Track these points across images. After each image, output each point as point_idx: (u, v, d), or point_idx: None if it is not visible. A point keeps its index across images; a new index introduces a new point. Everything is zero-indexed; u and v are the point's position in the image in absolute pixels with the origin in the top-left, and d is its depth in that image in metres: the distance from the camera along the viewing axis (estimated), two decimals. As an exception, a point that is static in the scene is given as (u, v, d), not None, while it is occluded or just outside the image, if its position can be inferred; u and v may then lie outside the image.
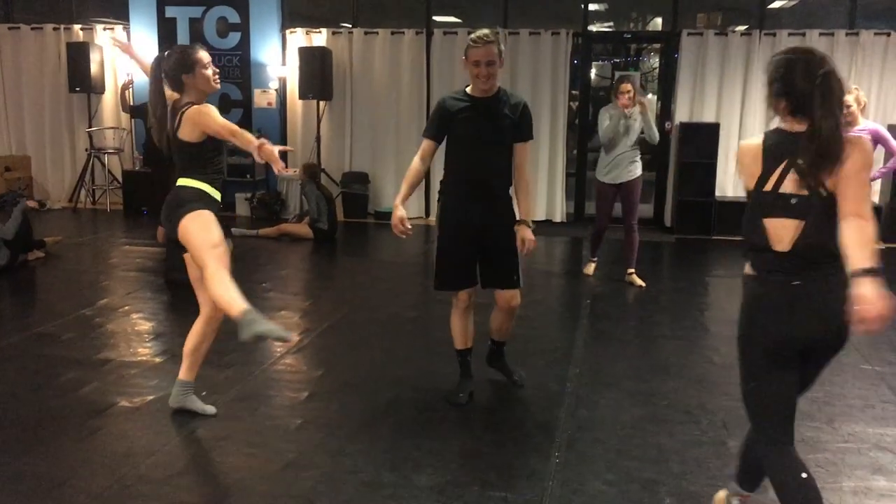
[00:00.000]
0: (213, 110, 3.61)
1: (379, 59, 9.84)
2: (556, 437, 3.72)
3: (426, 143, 3.93)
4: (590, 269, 7.16)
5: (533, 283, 6.91)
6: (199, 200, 3.64)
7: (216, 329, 3.87)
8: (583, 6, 9.64)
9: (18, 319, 5.50)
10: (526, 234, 3.83)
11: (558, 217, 9.72)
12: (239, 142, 3.49)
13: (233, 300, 3.36)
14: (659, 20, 11.39)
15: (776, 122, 2.52)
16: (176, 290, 6.23)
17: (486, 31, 3.74)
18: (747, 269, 2.54)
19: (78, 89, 10.00)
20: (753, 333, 2.53)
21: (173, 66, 3.67)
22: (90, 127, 10.22)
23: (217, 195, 3.74)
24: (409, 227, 3.88)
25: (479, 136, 3.83)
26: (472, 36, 3.75)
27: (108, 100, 10.38)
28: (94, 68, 9.94)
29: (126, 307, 5.81)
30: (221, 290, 3.41)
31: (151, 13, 10.07)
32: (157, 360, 4.69)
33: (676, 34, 9.26)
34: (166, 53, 3.73)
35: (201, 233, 3.55)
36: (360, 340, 5.21)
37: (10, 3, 10.76)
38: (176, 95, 3.72)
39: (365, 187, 9.91)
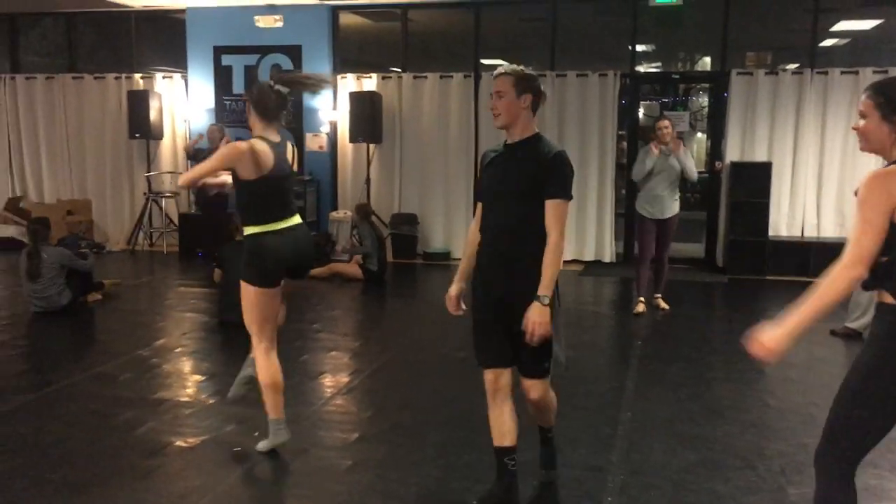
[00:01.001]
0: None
1: (428, 102, 9.99)
2: (608, 482, 3.67)
3: (477, 206, 3.43)
4: (640, 308, 7.12)
5: (582, 324, 6.87)
6: (255, 261, 3.79)
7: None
8: (630, 47, 9.69)
9: (78, 359, 5.65)
10: (532, 315, 3.05)
11: (607, 257, 9.66)
12: None
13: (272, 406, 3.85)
14: (708, 59, 11.39)
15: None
16: (228, 331, 6.34)
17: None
18: (888, 298, 2.41)
19: (137, 135, 10.34)
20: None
21: (282, 99, 3.83)
22: (148, 171, 10.53)
23: (281, 224, 3.81)
24: (464, 306, 3.39)
25: (494, 187, 3.24)
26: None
27: (166, 145, 10.70)
28: (153, 115, 10.28)
29: (181, 347, 5.93)
30: (264, 385, 3.83)
31: (208, 61, 10.41)
32: (211, 400, 4.76)
33: (726, 73, 9.23)
34: (269, 84, 3.84)
35: (246, 310, 3.86)
36: (410, 381, 5.23)
37: (74, 54, 11.22)
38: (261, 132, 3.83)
39: (414, 228, 10.00)
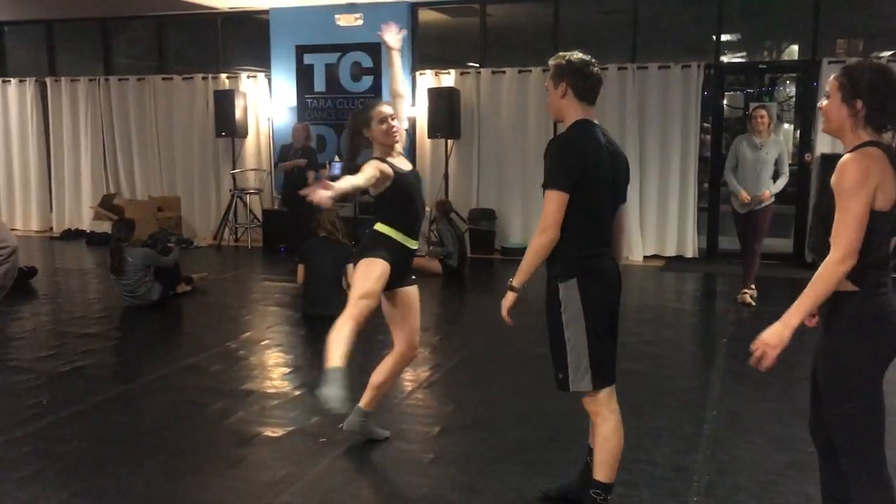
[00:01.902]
0: (366, 167, 3.70)
1: (506, 97, 9.97)
2: (693, 481, 3.61)
3: None
4: (745, 297, 7.08)
5: (664, 322, 6.76)
6: (382, 247, 3.76)
7: (404, 366, 4.06)
8: (715, 38, 9.45)
9: (169, 351, 5.86)
10: (503, 302, 3.10)
11: (690, 252, 9.47)
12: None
13: (335, 353, 3.45)
14: (795, 48, 11.00)
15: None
16: (313, 324, 6.48)
17: None
18: (849, 286, 2.44)
19: (223, 134, 10.64)
20: (877, 348, 2.48)
21: (356, 121, 3.86)
22: (234, 169, 10.83)
23: (408, 242, 3.84)
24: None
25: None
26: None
27: (251, 143, 10.98)
28: (238, 114, 10.56)
29: (267, 340, 6.09)
30: (335, 337, 3.52)
31: (291, 61, 10.62)
32: (297, 392, 4.87)
33: (816, 62, 8.92)
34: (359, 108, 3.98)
35: (360, 279, 3.71)
36: (489, 376, 5.24)
37: (163, 56, 11.62)
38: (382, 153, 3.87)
39: (492, 223, 10.00)
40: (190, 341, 6.23)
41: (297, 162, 9.37)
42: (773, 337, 2.51)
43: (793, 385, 5.01)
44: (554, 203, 2.94)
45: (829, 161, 8.68)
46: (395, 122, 3.81)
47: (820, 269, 2.42)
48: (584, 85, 3.06)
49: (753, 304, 6.98)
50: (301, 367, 5.44)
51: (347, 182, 3.50)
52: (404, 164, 3.89)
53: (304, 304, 6.73)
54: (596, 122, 3.12)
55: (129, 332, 6.55)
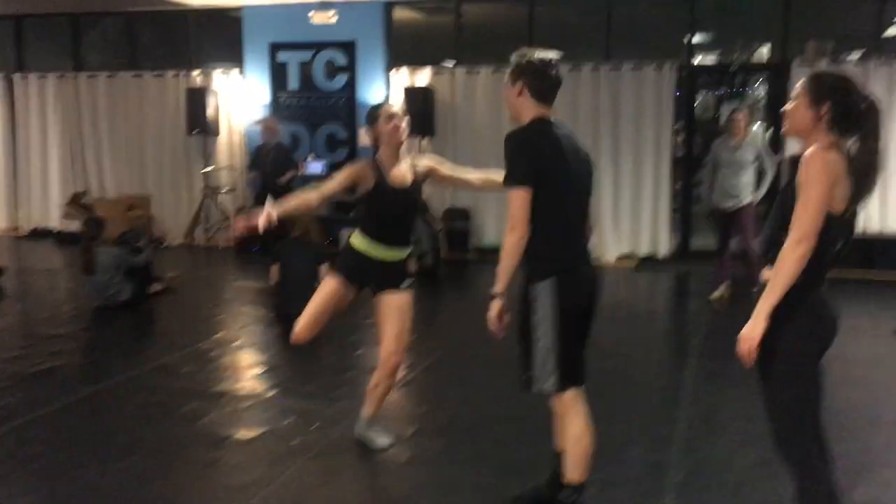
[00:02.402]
0: (341, 172, 3.78)
1: (481, 96, 9.96)
2: (667, 481, 3.63)
3: None
4: (716, 294, 7.15)
5: (636, 322, 6.80)
6: (340, 260, 3.96)
7: (390, 372, 3.97)
8: (686, 39, 9.52)
9: (139, 352, 5.79)
10: (489, 313, 3.09)
11: (663, 252, 9.53)
12: None
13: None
14: (765, 49, 11.12)
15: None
16: (286, 324, 6.42)
17: None
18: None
19: (196, 131, 10.53)
20: (813, 336, 2.62)
21: (366, 120, 3.85)
22: (206, 167, 10.72)
23: (375, 252, 3.84)
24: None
25: None
26: None
27: (223, 141, 10.87)
28: (210, 112, 10.45)
29: (239, 340, 6.04)
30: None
31: (264, 58, 10.54)
32: (270, 393, 4.83)
33: (786, 64, 9.02)
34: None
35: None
36: (464, 377, 5.23)
37: (134, 52, 11.47)
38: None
39: (466, 223, 10.00)
40: (161, 342, 6.16)
41: (289, 176, 9.30)
42: (748, 331, 2.60)
43: (764, 384, 5.07)
44: (517, 199, 2.94)
45: (798, 162, 8.80)
46: (402, 123, 3.78)
47: (779, 257, 2.50)
48: (540, 86, 3.07)
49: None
50: (274, 367, 5.40)
51: (303, 198, 3.83)
52: (401, 177, 3.81)
53: (277, 304, 6.68)
54: (552, 119, 3.11)
55: (99, 332, 6.47)
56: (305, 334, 3.92)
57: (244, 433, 4.18)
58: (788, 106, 2.65)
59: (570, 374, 3.08)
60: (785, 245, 2.48)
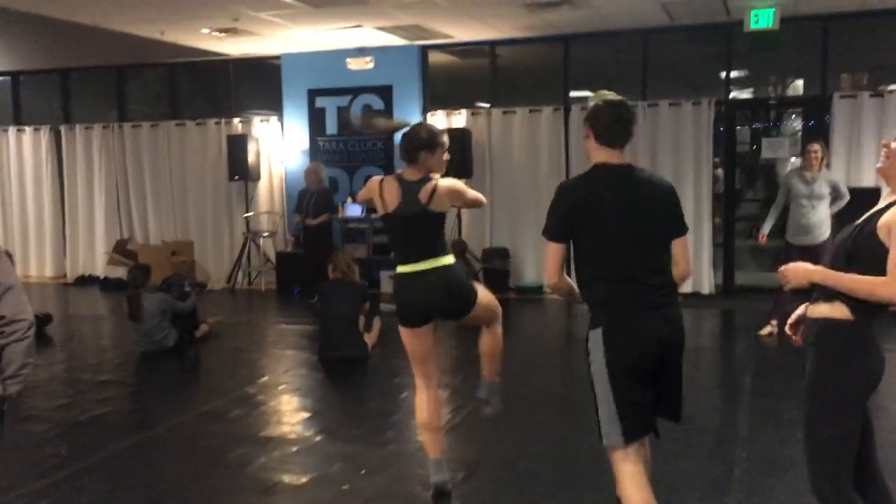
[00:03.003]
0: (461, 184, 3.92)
1: (517, 136, 10.00)
2: (728, 526, 3.51)
3: None
4: (766, 329, 7.04)
5: (685, 360, 6.65)
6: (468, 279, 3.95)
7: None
8: (724, 74, 9.49)
9: (186, 398, 5.81)
10: None
11: (706, 289, 9.39)
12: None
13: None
14: (800, 82, 11.05)
15: None
16: (329, 367, 6.43)
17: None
18: (846, 314, 2.58)
19: (237, 177, 10.68)
20: (865, 375, 2.61)
21: (420, 140, 3.73)
22: (247, 212, 10.85)
23: (408, 268, 3.84)
24: None
25: None
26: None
27: (264, 186, 11.03)
28: (251, 158, 10.61)
29: (284, 384, 6.03)
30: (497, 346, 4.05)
31: (303, 104, 10.71)
32: (317, 438, 4.80)
33: (827, 97, 8.93)
34: (414, 126, 3.84)
35: (488, 300, 3.94)
36: (512, 417, 5.10)
37: (176, 102, 11.73)
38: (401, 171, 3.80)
39: (506, 262, 9.96)
40: (207, 387, 6.18)
41: (321, 220, 9.58)
42: (799, 269, 2.70)
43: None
44: (548, 251, 3.05)
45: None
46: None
47: (875, 278, 2.50)
48: (603, 129, 3.06)
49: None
50: (320, 411, 5.38)
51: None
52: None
53: (320, 347, 6.68)
54: (619, 163, 3.08)
55: (145, 378, 6.51)
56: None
57: (293, 479, 4.14)
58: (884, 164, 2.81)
59: (632, 430, 2.93)
60: (887, 278, 2.48)
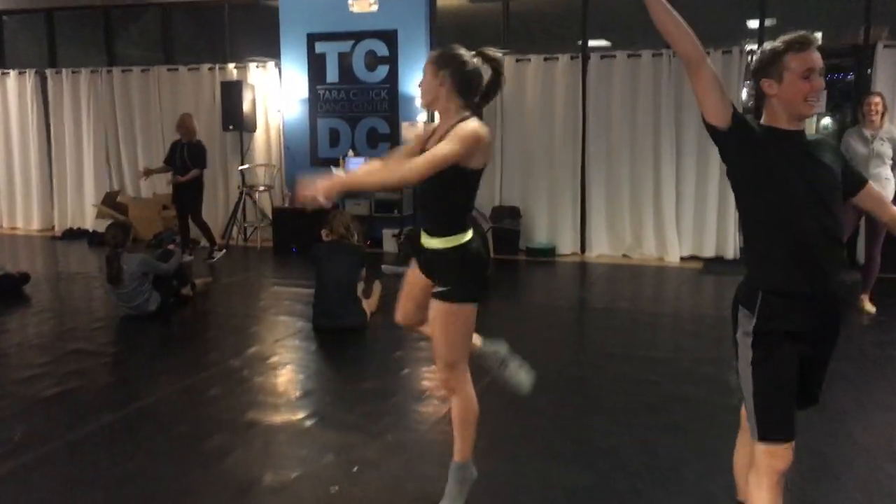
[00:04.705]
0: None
1: (531, 86, 9.32)
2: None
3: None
4: (863, 303, 6.53)
5: (715, 335, 6.10)
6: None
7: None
8: (757, 22, 8.75)
9: (165, 370, 5.26)
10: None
11: (730, 253, 8.79)
12: None
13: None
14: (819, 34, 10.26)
15: None
16: (324, 338, 5.89)
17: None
18: None
19: (231, 127, 10.05)
20: None
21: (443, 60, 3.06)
22: (242, 165, 10.24)
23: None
24: None
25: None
26: (791, 38, 2.55)
27: (260, 137, 10.40)
28: (246, 107, 9.97)
29: (274, 357, 5.49)
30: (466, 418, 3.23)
31: (302, 50, 10.03)
32: (307, 424, 4.27)
33: (870, 46, 8.22)
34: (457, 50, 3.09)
35: (466, 332, 3.16)
36: (524, 403, 4.58)
37: (169, 46, 11.03)
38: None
39: (516, 222, 9.37)
40: (189, 358, 5.63)
41: (189, 177, 8.87)
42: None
43: (879, 417, 4.36)
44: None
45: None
46: None
47: None
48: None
49: (873, 310, 6.44)
50: (311, 391, 4.84)
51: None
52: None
53: (314, 315, 6.13)
54: None
55: (123, 347, 5.97)
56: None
57: (275, 477, 3.61)
58: None
59: (771, 427, 2.58)
60: None
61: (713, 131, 2.61)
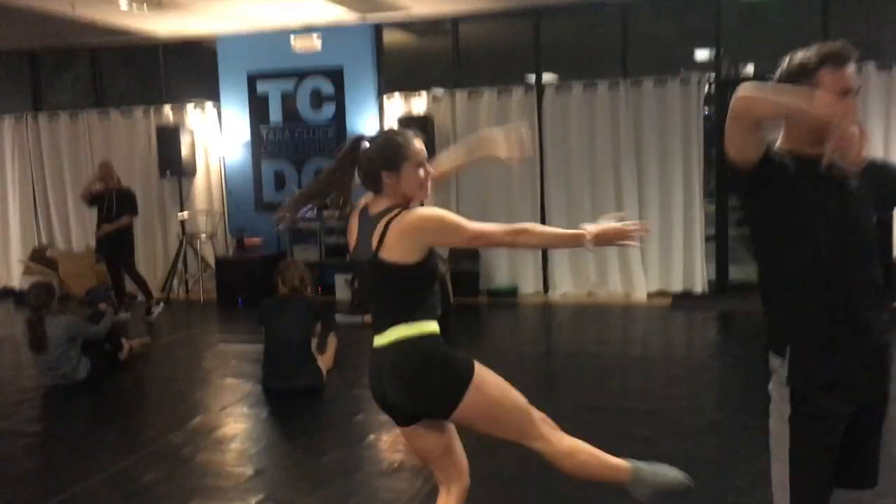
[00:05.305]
0: (448, 214, 2.58)
1: (484, 121, 8.91)
2: None
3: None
4: None
5: (697, 381, 5.70)
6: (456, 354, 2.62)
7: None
8: (714, 50, 8.54)
9: (95, 453, 4.61)
10: None
11: (699, 287, 8.47)
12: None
13: (615, 463, 2.74)
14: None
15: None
16: (276, 401, 5.33)
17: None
18: None
19: (169, 173, 9.46)
20: None
21: (375, 160, 2.61)
22: (182, 212, 9.63)
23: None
24: None
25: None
26: (827, 50, 2.17)
27: (200, 182, 9.82)
28: (184, 151, 9.40)
29: (220, 430, 4.90)
30: (590, 458, 2.69)
31: (242, 90, 9.52)
32: (259, 511, 3.71)
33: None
34: (371, 137, 2.71)
35: (501, 396, 2.64)
36: (505, 469, 4.10)
37: (99, 90, 10.41)
38: (368, 199, 2.68)
39: (475, 263, 8.93)
40: (122, 435, 4.99)
41: (119, 224, 8.26)
42: None
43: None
44: None
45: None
46: (430, 169, 2.68)
47: None
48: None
49: None
50: (264, 470, 4.25)
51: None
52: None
53: (264, 376, 5.57)
54: None
55: (49, 424, 5.32)
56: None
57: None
58: None
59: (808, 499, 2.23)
60: None
61: (737, 171, 2.19)
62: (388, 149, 2.61)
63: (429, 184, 2.65)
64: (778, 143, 2.26)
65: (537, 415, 2.68)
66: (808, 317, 2.19)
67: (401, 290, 2.56)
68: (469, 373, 2.55)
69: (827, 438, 2.20)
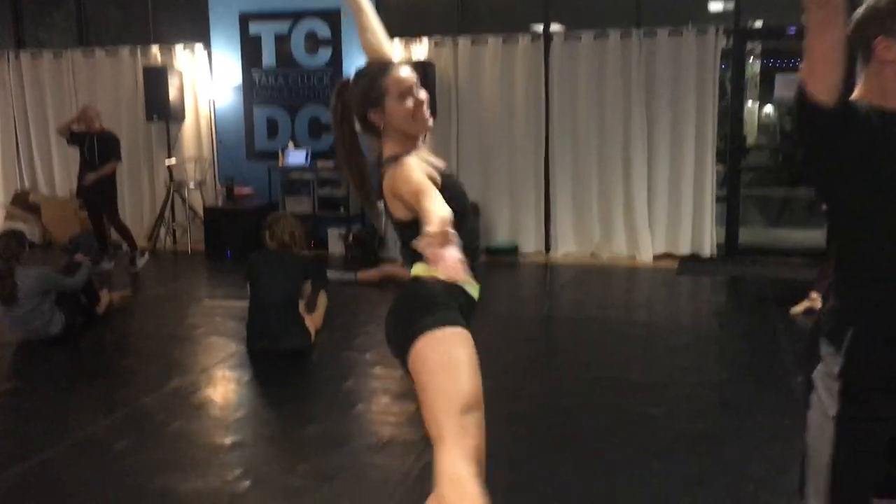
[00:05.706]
0: (408, 167, 2.18)
1: (489, 71, 8.50)
2: None
3: None
4: (799, 307, 5.88)
5: (707, 350, 5.39)
6: (447, 302, 2.23)
7: None
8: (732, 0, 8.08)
9: (64, 416, 4.32)
10: None
11: (707, 250, 8.13)
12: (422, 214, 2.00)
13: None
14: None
15: None
16: (261, 364, 5.01)
17: None
18: None
19: (156, 117, 9.03)
20: None
21: (357, 102, 2.35)
22: (170, 158, 9.22)
23: (470, 288, 2.30)
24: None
25: None
26: None
27: (189, 128, 9.39)
28: (172, 94, 8.95)
29: (199, 394, 4.58)
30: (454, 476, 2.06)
31: (234, 31, 9.04)
32: (238, 488, 3.40)
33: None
34: (352, 77, 2.42)
35: (442, 370, 2.15)
36: (510, 453, 3.79)
37: (84, 27, 9.91)
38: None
39: (475, 219, 8.54)
40: (95, 398, 4.67)
41: (104, 172, 7.78)
42: None
43: None
44: None
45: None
46: (422, 95, 2.34)
47: None
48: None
49: None
50: (244, 442, 3.94)
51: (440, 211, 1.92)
52: (438, 161, 2.35)
53: (249, 336, 5.24)
54: None
55: (18, 383, 4.99)
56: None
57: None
58: None
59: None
60: None
61: (811, 111, 1.80)
62: (366, 84, 2.33)
63: (423, 112, 2.30)
64: (855, 94, 1.88)
65: (471, 429, 2.11)
66: (882, 301, 1.85)
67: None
68: (430, 327, 2.17)
69: (877, 444, 1.91)
